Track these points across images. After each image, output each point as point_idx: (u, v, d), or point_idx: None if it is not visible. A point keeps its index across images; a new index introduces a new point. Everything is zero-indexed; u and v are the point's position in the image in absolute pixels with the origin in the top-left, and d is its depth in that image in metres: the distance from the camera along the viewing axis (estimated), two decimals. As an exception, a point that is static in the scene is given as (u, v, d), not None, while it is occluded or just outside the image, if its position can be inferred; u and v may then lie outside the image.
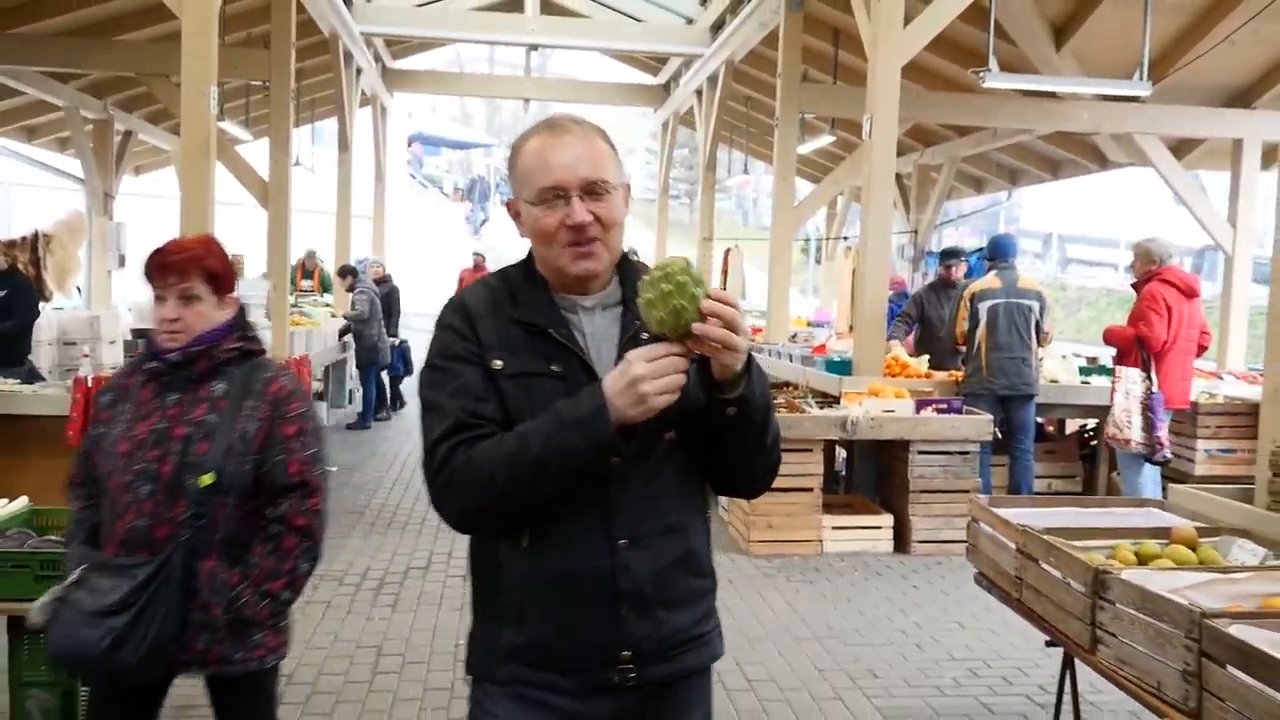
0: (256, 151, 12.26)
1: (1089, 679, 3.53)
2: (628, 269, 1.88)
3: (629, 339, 1.79)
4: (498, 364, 1.77)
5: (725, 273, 14.15)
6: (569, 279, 1.81)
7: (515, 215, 1.86)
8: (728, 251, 14.13)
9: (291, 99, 9.51)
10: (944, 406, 6.95)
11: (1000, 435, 7.53)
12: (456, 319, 1.83)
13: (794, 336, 10.28)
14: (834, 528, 6.84)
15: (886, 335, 8.06)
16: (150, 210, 18.07)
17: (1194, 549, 3.16)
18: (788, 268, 10.11)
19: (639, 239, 26.14)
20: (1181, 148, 11.19)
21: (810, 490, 6.78)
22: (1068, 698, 3.69)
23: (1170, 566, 2.95)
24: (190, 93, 6.72)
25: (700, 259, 13.70)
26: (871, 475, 7.45)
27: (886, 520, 6.92)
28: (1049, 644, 3.23)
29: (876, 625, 5.47)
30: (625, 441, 1.69)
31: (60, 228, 12.47)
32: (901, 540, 6.90)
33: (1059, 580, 3.07)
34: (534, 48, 14.41)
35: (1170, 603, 2.57)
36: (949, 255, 9.11)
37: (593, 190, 1.76)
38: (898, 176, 15.58)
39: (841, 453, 8.13)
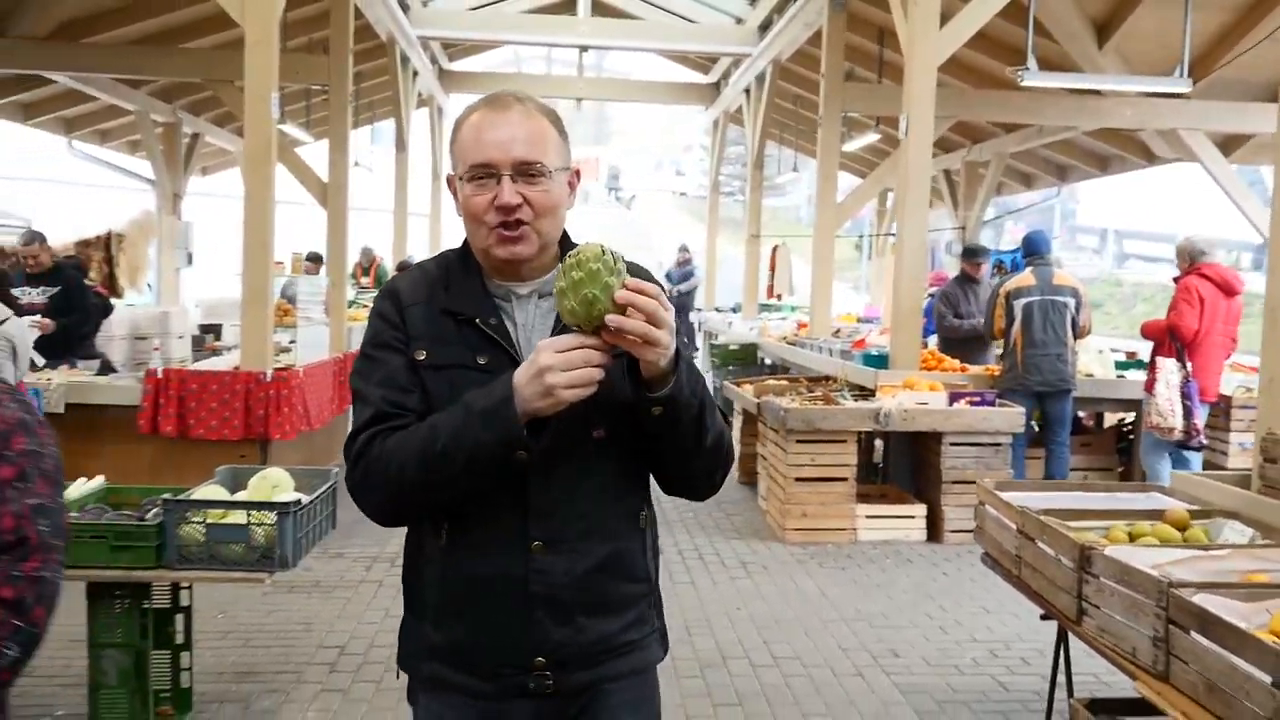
0: (317, 152, 12.69)
1: (1102, 663, 3.71)
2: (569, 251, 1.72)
3: (561, 329, 1.68)
4: (421, 355, 1.72)
5: (773, 268, 14.34)
6: (498, 263, 1.73)
7: (454, 193, 1.76)
8: (775, 248, 14.30)
9: (350, 103, 9.86)
10: (977, 399, 7.11)
11: (1037, 429, 7.69)
12: (386, 305, 1.78)
13: (837, 332, 10.45)
14: (868, 516, 7.03)
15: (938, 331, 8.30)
16: (217, 209, 18.69)
17: (1184, 529, 3.34)
18: (830, 264, 10.27)
19: (692, 235, 26.40)
20: (1230, 143, 11.18)
21: (845, 480, 6.98)
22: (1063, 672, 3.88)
23: (1155, 544, 3.14)
24: (253, 99, 7.07)
25: (748, 255, 13.91)
26: (907, 466, 7.63)
27: (920, 510, 7.10)
28: (1043, 618, 3.43)
29: (903, 609, 5.67)
30: (535, 436, 1.60)
31: (131, 227, 13.03)
32: (934, 529, 7.07)
33: (1051, 557, 3.27)
34: (585, 49, 14.69)
35: (1143, 574, 2.76)
36: (972, 253, 9.26)
37: (526, 171, 1.68)
38: (946, 173, 15.68)
39: (880, 444, 8.30)
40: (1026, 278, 7.58)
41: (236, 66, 8.98)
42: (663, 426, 1.64)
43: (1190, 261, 7.05)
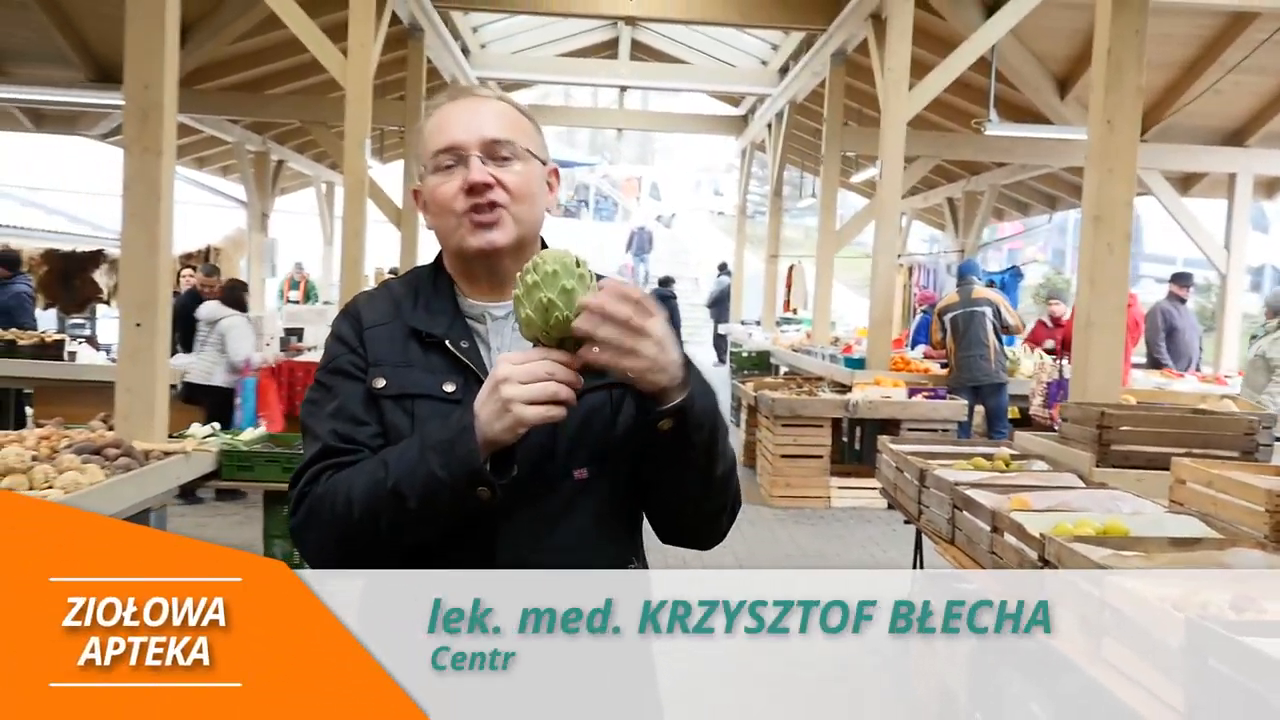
0: (383, 174, 14.50)
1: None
2: None
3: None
4: (380, 383, 1.52)
5: (790, 286, 15.98)
6: (474, 255, 1.54)
7: (422, 206, 1.59)
8: (791, 267, 15.94)
9: (421, 141, 11.66)
10: (931, 394, 8.72)
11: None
12: (345, 327, 1.58)
13: (835, 340, 12.09)
14: (840, 487, 8.67)
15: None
16: (290, 225, 20.67)
17: (994, 464, 4.96)
18: (829, 283, 11.91)
19: (729, 252, 28.05)
20: (1189, 180, 12.71)
21: (820, 457, 8.62)
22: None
23: (969, 469, 4.76)
24: (351, 145, 8.86)
25: (767, 274, 15.58)
26: (875, 448, 9.23)
27: (882, 483, 8.71)
28: (906, 522, 5.07)
29: (851, 550, 7.32)
30: (499, 471, 1.39)
31: (227, 242, 14.96)
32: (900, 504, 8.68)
33: (907, 480, 4.91)
34: (624, 89, 16.45)
35: (946, 481, 4.40)
36: (1180, 278, 10.89)
37: (497, 152, 1.52)
38: (949, 201, 17.26)
39: (858, 431, 9.92)
40: (953, 296, 9.22)
41: (325, 109, 10.91)
42: (671, 449, 1.43)
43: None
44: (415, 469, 1.39)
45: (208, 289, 9.64)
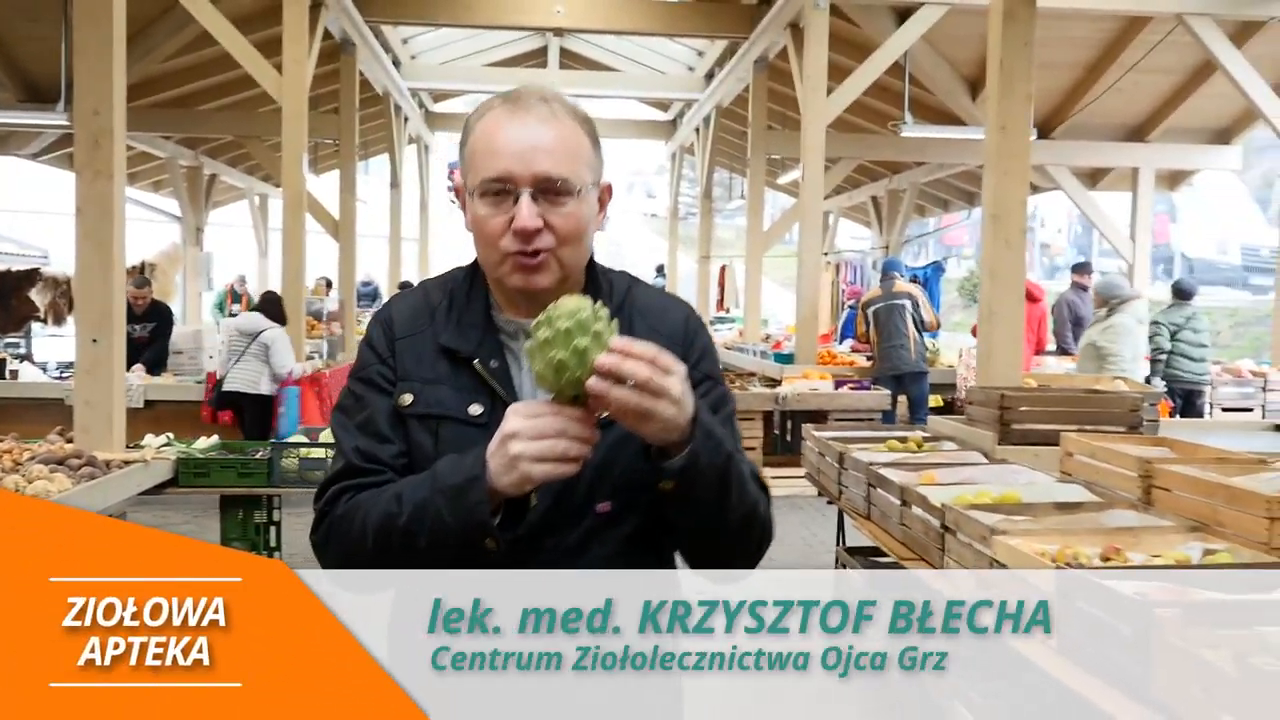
0: (317, 185, 14.66)
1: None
2: (594, 285, 1.54)
3: None
4: (406, 399, 1.50)
5: (722, 286, 16.40)
6: (511, 293, 1.50)
7: (463, 205, 1.52)
8: (723, 268, 16.35)
9: (356, 154, 11.89)
10: (856, 385, 9.15)
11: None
12: (378, 333, 1.56)
13: (766, 337, 12.51)
14: (773, 477, 9.05)
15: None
16: (223, 238, 20.65)
17: (917, 446, 5.36)
18: (758, 282, 12.34)
19: (663, 254, 28.47)
20: (1097, 174, 13.34)
21: (754, 449, 9.00)
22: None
23: (884, 451, 5.16)
24: (289, 160, 9.08)
25: (700, 274, 15.97)
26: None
27: (813, 471, 9.13)
28: (829, 502, 5.45)
29: (783, 535, 7.67)
30: (511, 523, 1.39)
31: (161, 257, 15.00)
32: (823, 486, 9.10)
33: (828, 462, 5.29)
34: (554, 96, 16.73)
35: (861, 462, 4.79)
36: (1080, 267, 11.34)
37: (549, 189, 1.43)
38: (873, 199, 17.82)
39: (789, 424, 10.33)
40: (876, 290, 9.67)
41: (259, 123, 11.07)
42: (676, 502, 1.42)
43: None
44: (425, 509, 1.39)
45: (139, 300, 9.76)
